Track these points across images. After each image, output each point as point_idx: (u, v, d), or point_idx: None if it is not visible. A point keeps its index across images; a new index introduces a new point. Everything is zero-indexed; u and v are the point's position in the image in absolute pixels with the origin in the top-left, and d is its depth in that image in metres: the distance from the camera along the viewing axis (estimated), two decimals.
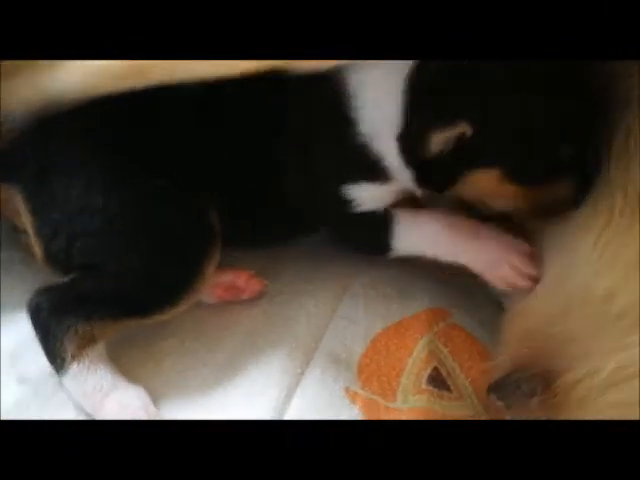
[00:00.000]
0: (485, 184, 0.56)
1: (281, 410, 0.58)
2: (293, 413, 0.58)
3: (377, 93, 0.57)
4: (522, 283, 0.59)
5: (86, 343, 0.55)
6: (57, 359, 0.55)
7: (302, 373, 0.61)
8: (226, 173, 0.61)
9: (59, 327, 0.55)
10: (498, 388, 0.56)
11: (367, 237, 0.64)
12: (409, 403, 0.60)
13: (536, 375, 0.54)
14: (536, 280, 0.58)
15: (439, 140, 0.54)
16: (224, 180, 0.61)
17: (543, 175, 0.56)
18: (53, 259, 0.58)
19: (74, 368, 0.55)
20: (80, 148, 0.59)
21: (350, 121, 0.58)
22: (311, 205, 0.64)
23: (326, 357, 0.63)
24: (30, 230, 0.59)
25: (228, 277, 0.64)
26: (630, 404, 0.49)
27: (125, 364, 0.58)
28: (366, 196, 0.61)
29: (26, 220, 0.59)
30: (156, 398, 0.58)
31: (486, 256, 0.60)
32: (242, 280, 0.65)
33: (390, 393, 0.61)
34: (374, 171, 0.59)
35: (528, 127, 0.53)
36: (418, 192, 0.60)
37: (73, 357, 0.55)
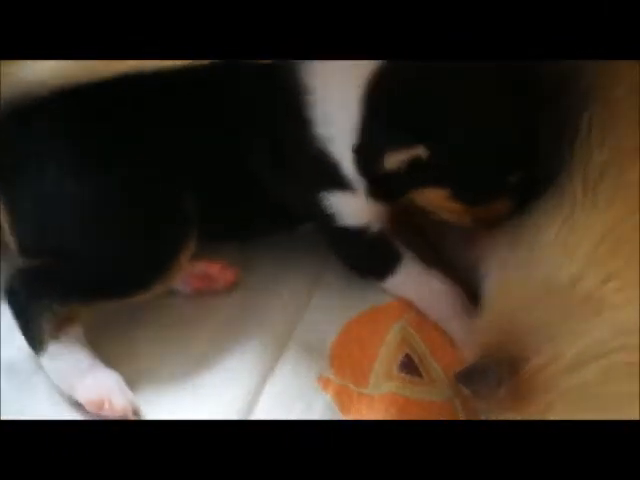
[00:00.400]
0: (432, 199, 0.58)
1: (254, 397, 0.59)
2: (266, 400, 0.59)
3: (336, 95, 0.57)
4: None
5: (63, 324, 0.56)
6: (35, 340, 0.56)
7: (276, 361, 0.62)
8: (200, 163, 0.61)
9: (36, 309, 0.56)
10: (465, 376, 0.56)
11: (367, 262, 0.65)
12: (381, 389, 0.61)
13: (503, 362, 0.55)
14: None
15: (393, 160, 0.55)
16: (199, 169, 0.61)
17: (487, 198, 0.58)
18: (27, 248, 0.59)
19: (52, 348, 0.56)
20: (51, 138, 0.60)
21: (308, 121, 0.58)
22: (289, 203, 0.64)
23: (300, 345, 0.63)
24: (4, 222, 0.60)
25: (201, 267, 0.65)
26: (591, 385, 0.51)
27: (100, 351, 0.59)
28: (346, 208, 0.61)
29: (2, 212, 0.59)
30: (131, 385, 0.58)
31: (466, 332, 0.62)
32: (215, 270, 0.65)
33: (362, 379, 0.62)
34: (333, 176, 0.59)
35: (481, 155, 0.55)
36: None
37: (51, 337, 0.56)
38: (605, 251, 0.53)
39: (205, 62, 0.54)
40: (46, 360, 0.56)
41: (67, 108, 0.59)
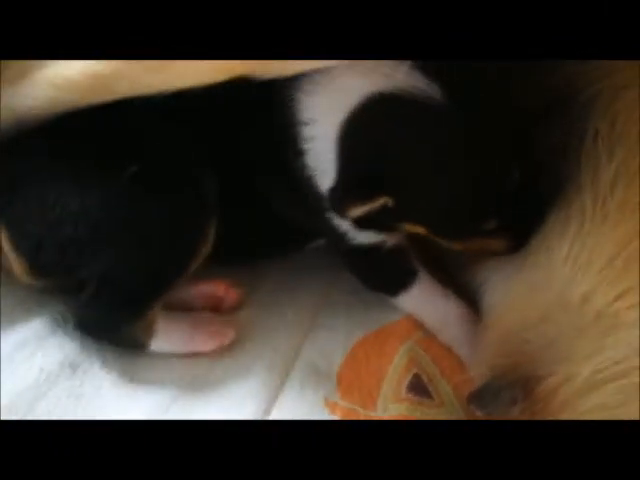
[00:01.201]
0: (416, 232, 0.59)
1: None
2: None
3: (322, 134, 0.57)
4: None
5: (151, 324, 0.59)
6: (135, 346, 0.60)
7: (281, 385, 0.61)
8: (213, 166, 0.61)
9: (122, 327, 0.59)
10: (477, 398, 0.55)
11: (381, 276, 0.65)
12: (389, 412, 0.60)
13: (516, 382, 0.54)
14: None
15: (359, 211, 0.55)
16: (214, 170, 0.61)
17: (470, 236, 0.58)
18: (42, 270, 0.58)
19: (154, 342, 0.60)
20: (48, 157, 0.59)
21: (302, 152, 0.58)
22: (297, 223, 0.64)
23: (305, 367, 0.62)
24: (6, 245, 0.59)
25: (207, 287, 0.64)
26: (609, 407, 0.49)
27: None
28: (353, 227, 0.61)
29: (1, 235, 0.59)
30: None
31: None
32: (221, 290, 0.65)
33: (370, 402, 0.60)
34: (325, 205, 0.59)
35: (450, 202, 0.55)
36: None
37: (148, 337, 0.60)
38: (618, 268, 0.52)
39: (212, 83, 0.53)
40: (155, 348, 0.60)
41: (58, 128, 0.59)
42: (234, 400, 0.59)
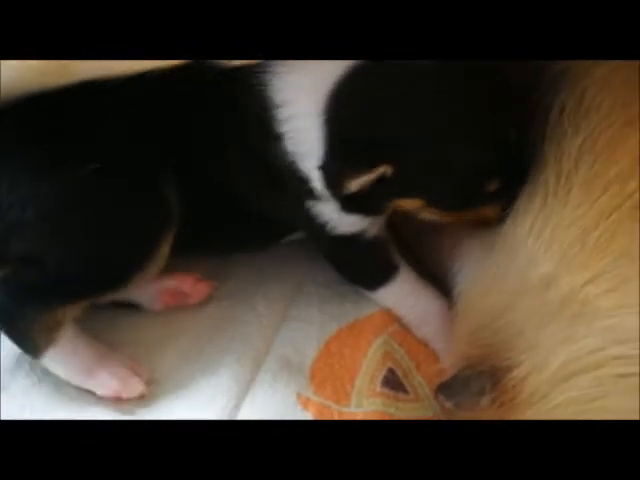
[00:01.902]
0: (411, 207, 0.56)
1: (231, 418, 0.56)
2: None
3: (301, 112, 0.54)
4: None
5: (55, 327, 0.55)
6: (30, 348, 0.55)
7: (252, 380, 0.59)
8: (178, 165, 0.58)
9: (22, 319, 0.55)
10: (446, 388, 0.54)
11: (360, 270, 0.63)
12: (363, 407, 0.58)
13: (484, 373, 0.53)
14: None
15: (357, 183, 0.52)
16: (177, 170, 0.58)
17: (468, 205, 0.56)
18: None
19: (51, 351, 0.55)
20: (5, 140, 0.56)
21: (278, 136, 0.55)
22: (274, 214, 0.62)
23: (277, 362, 0.60)
24: None
25: (173, 282, 0.62)
26: (585, 401, 0.48)
27: None
28: (335, 217, 0.58)
29: None
30: None
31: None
32: (188, 285, 0.62)
33: (344, 397, 0.59)
34: (308, 190, 0.57)
35: (451, 167, 0.53)
36: None
37: (47, 343, 0.55)
38: (587, 249, 0.50)
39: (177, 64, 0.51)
40: (48, 363, 0.56)
41: (14, 113, 0.56)
42: (203, 396, 0.57)
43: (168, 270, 0.59)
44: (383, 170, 0.51)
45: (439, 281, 0.63)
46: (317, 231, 0.60)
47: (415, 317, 0.62)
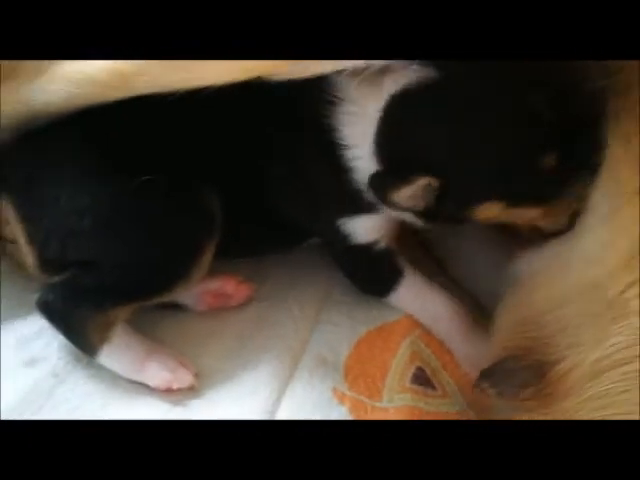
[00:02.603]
0: (493, 213, 0.58)
1: (271, 412, 0.59)
2: (283, 414, 0.59)
3: (358, 128, 0.59)
4: None
5: (108, 327, 0.58)
6: (86, 347, 0.59)
7: (291, 376, 0.62)
8: (221, 175, 0.62)
9: (77, 320, 0.58)
10: (490, 376, 0.56)
11: (369, 277, 0.67)
12: (394, 402, 0.62)
13: (530, 366, 0.55)
14: None
15: (402, 197, 0.56)
16: (220, 181, 0.62)
17: (541, 193, 0.57)
18: (48, 264, 0.59)
19: (106, 349, 0.58)
20: (64, 154, 0.60)
21: (334, 151, 0.60)
22: (299, 221, 0.66)
23: (313, 360, 0.64)
24: (21, 238, 0.60)
25: (217, 284, 0.66)
26: (613, 394, 0.51)
27: None
28: (361, 229, 0.63)
29: (16, 228, 0.60)
30: None
31: (466, 348, 0.64)
32: (231, 286, 0.66)
33: (376, 393, 0.62)
34: (357, 203, 0.61)
35: (509, 156, 0.55)
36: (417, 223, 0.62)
37: (101, 341, 0.58)
38: (632, 257, 0.53)
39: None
40: (104, 360, 0.59)
41: (76, 125, 0.60)
42: (246, 389, 0.61)
43: (212, 273, 0.63)
44: (426, 182, 0.55)
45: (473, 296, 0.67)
46: (336, 240, 0.64)
47: (427, 318, 0.66)
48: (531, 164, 0.55)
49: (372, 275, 0.67)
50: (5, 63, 0.60)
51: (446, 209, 0.57)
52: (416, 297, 0.66)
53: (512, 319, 0.59)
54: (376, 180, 0.57)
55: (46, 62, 0.57)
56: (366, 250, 0.65)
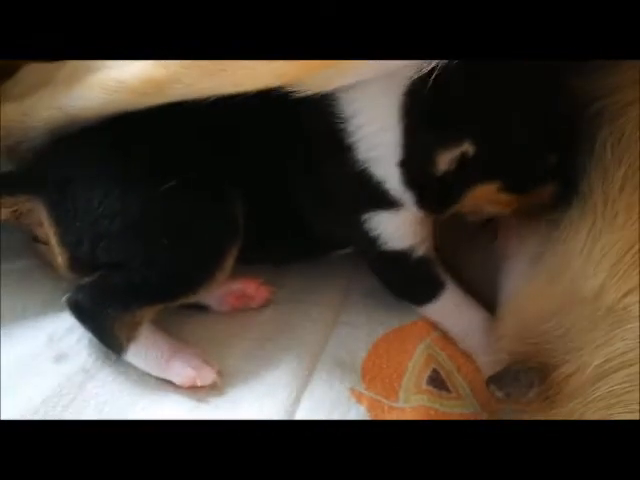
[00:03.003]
0: (482, 196, 0.61)
1: (291, 411, 0.61)
2: (303, 413, 0.61)
3: (373, 117, 0.60)
4: None
5: (135, 326, 0.60)
6: (114, 346, 0.60)
7: (310, 375, 0.64)
8: (244, 183, 0.64)
9: (105, 319, 0.60)
10: (498, 379, 0.59)
11: (410, 287, 0.68)
12: (411, 403, 0.63)
13: (533, 368, 0.58)
14: None
15: (444, 160, 0.58)
16: (243, 187, 0.64)
17: (534, 183, 0.61)
18: (79, 265, 0.61)
19: (132, 348, 0.60)
20: (97, 158, 0.63)
21: (348, 147, 0.61)
22: (328, 230, 0.67)
23: (331, 360, 0.66)
24: (53, 239, 0.62)
25: (238, 285, 0.68)
26: (617, 394, 0.53)
27: None
28: (386, 227, 0.64)
29: (49, 230, 0.62)
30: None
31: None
32: (252, 288, 0.68)
33: (392, 393, 0.64)
34: (377, 197, 0.62)
35: (523, 142, 0.58)
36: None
37: (128, 340, 0.60)
38: (627, 265, 0.55)
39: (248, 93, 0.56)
40: (130, 358, 0.61)
41: (109, 131, 0.63)
42: (267, 388, 0.62)
43: (233, 275, 0.65)
44: (466, 148, 0.57)
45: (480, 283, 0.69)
46: (367, 246, 0.65)
47: (459, 331, 0.67)
48: (540, 158, 0.59)
49: (411, 284, 0.68)
50: (43, 69, 0.63)
51: (456, 182, 0.59)
52: (453, 310, 0.67)
53: (513, 326, 0.61)
54: (419, 141, 0.58)
55: (82, 69, 0.59)
56: (402, 258, 0.65)
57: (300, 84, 0.55)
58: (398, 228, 0.64)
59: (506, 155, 0.58)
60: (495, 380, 0.58)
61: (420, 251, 0.66)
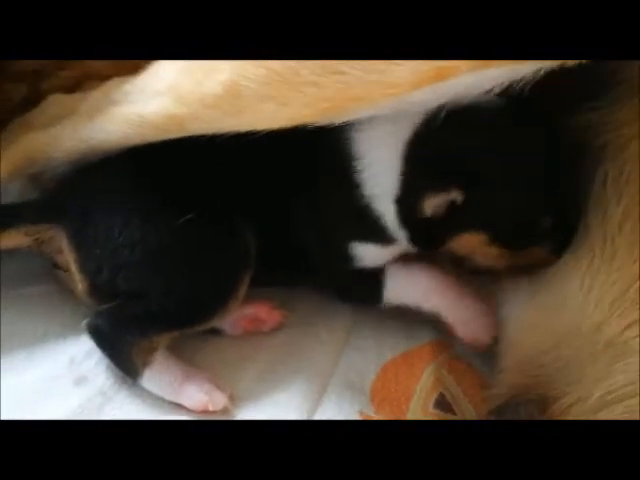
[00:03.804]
0: (471, 245, 0.63)
1: None
2: None
3: (380, 157, 0.63)
4: (485, 341, 0.67)
5: (151, 352, 0.62)
6: (130, 370, 0.62)
7: (320, 398, 0.66)
8: (253, 212, 0.67)
9: (123, 345, 0.62)
10: (498, 413, 0.61)
11: (360, 289, 0.70)
12: None
13: (533, 400, 0.59)
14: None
15: (432, 204, 0.61)
16: (252, 216, 0.67)
17: (524, 242, 0.63)
18: (99, 292, 0.63)
19: (147, 373, 0.62)
20: (118, 189, 0.65)
21: (355, 183, 0.64)
22: (319, 256, 0.69)
23: (341, 383, 0.68)
24: (73, 266, 0.64)
25: (251, 310, 0.70)
26: None
27: None
28: (369, 255, 0.67)
29: (69, 257, 0.64)
30: None
31: (462, 313, 0.68)
32: (264, 312, 0.70)
33: (400, 416, 0.66)
34: (376, 231, 0.65)
35: (514, 199, 0.61)
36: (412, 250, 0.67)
37: (144, 365, 0.62)
38: (628, 301, 0.57)
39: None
40: (145, 382, 0.63)
41: (130, 162, 0.65)
42: (279, 410, 0.64)
43: (246, 299, 0.67)
44: (455, 196, 0.59)
45: None
46: (338, 262, 0.68)
47: (420, 297, 0.68)
48: (532, 220, 0.62)
49: (357, 285, 0.70)
50: (67, 100, 0.65)
51: (443, 226, 0.62)
52: (404, 284, 0.68)
53: (512, 359, 0.63)
54: (412, 184, 0.61)
55: (105, 102, 0.62)
56: (360, 271, 0.68)
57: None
58: (377, 256, 0.67)
59: (493, 208, 0.61)
60: (496, 413, 0.60)
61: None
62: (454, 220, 0.61)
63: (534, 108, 0.60)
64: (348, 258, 0.67)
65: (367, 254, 0.67)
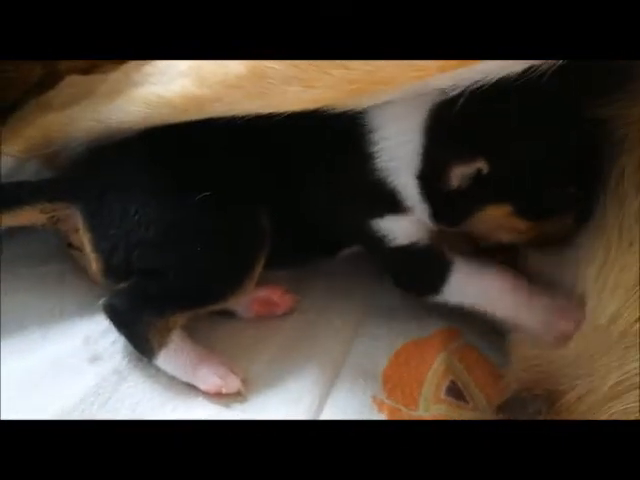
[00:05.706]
0: (495, 219, 0.63)
1: (316, 415, 0.63)
2: (327, 418, 0.63)
3: (397, 130, 0.62)
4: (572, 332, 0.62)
5: (167, 332, 0.62)
6: (146, 350, 0.62)
7: (332, 384, 0.66)
8: (269, 190, 0.67)
9: (139, 324, 0.62)
10: (506, 408, 0.61)
11: (417, 276, 0.68)
12: (430, 411, 0.65)
13: (540, 396, 0.60)
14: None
15: (458, 175, 0.60)
16: (267, 197, 0.66)
17: (549, 212, 0.62)
18: (114, 271, 0.64)
19: (163, 353, 0.63)
20: (135, 169, 0.65)
21: (368, 156, 0.63)
22: (339, 233, 0.69)
23: (354, 369, 0.68)
24: (87, 246, 0.65)
25: (264, 293, 0.70)
26: (630, 412, 0.55)
27: None
28: (396, 229, 0.66)
29: (84, 236, 0.65)
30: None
31: (540, 314, 0.64)
32: (277, 296, 0.71)
33: (412, 402, 0.66)
34: (392, 204, 0.65)
35: (539, 168, 0.60)
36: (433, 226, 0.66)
37: (160, 345, 0.62)
38: None
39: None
40: (161, 363, 0.63)
41: (147, 142, 0.65)
42: (291, 394, 0.64)
43: (259, 283, 0.67)
44: (480, 165, 0.59)
45: None
46: (375, 245, 0.67)
47: (488, 302, 0.65)
48: (557, 189, 0.61)
49: (419, 273, 0.67)
50: (85, 80, 0.65)
51: (469, 198, 0.61)
52: (470, 282, 0.65)
53: (521, 355, 0.63)
54: (436, 156, 0.60)
55: (125, 83, 0.62)
56: (407, 251, 0.66)
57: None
58: (405, 228, 0.66)
59: (519, 178, 0.60)
60: (504, 408, 0.60)
61: (424, 242, 0.67)
62: (479, 191, 0.61)
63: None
64: (376, 235, 0.66)
65: (392, 227, 0.66)
